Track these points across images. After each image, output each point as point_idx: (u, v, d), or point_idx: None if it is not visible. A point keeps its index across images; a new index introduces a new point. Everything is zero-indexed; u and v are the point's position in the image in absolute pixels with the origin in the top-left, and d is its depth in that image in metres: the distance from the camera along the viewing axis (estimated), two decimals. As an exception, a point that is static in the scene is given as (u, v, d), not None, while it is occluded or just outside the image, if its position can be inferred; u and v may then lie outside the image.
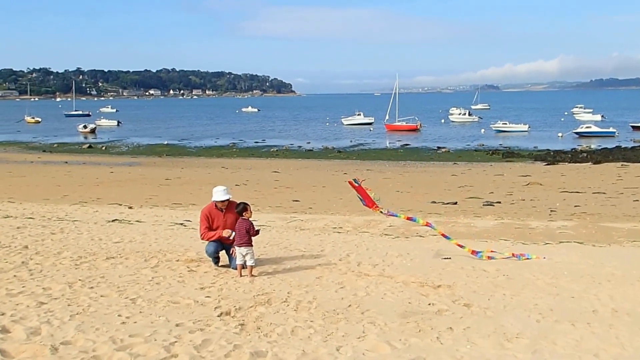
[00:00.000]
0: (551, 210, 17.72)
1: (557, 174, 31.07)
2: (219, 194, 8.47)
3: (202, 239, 8.68)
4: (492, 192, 22.74)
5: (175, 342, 5.38)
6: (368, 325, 5.90)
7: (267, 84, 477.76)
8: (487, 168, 35.23)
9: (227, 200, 8.53)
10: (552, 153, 43.05)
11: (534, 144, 51.35)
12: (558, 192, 22.98)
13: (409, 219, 10.25)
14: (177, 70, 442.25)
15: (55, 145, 56.62)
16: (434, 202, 19.71)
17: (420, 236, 12.38)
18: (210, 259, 8.70)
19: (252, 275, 8.05)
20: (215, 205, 8.56)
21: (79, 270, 8.34)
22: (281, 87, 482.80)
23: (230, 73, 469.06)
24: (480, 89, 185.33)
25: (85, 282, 7.62)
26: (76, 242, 10.61)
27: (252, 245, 8.11)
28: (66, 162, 40.27)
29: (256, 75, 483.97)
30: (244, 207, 8.24)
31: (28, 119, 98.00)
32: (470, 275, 8.24)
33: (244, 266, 8.08)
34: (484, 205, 19.16)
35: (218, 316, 6.22)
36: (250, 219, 8.27)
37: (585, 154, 41.84)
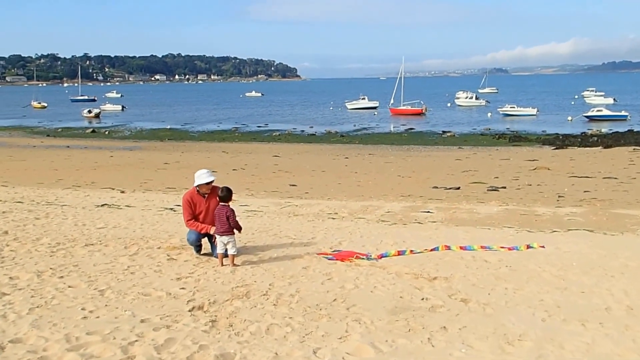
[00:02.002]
0: (559, 196, 17.04)
1: (565, 158, 30.26)
2: (203, 176, 7.82)
3: (187, 226, 8.11)
4: (497, 177, 22.05)
5: (136, 340, 4.83)
6: (352, 324, 5.31)
7: (272, 68, 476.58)
8: (493, 152, 34.45)
9: (212, 183, 7.91)
10: (561, 137, 42.05)
11: (542, 127, 50.37)
12: (567, 177, 22.25)
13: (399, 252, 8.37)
14: (183, 55, 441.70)
15: (59, 129, 56.25)
16: (436, 187, 19.04)
17: (419, 223, 11.77)
18: (192, 247, 8.15)
19: (234, 265, 7.48)
20: (197, 191, 7.95)
21: (54, 257, 7.83)
22: (286, 71, 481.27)
23: (235, 58, 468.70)
24: (488, 73, 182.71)
25: (57, 270, 7.10)
26: (58, 228, 10.12)
27: (234, 233, 7.53)
28: (68, 147, 39.84)
29: (261, 59, 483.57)
30: (227, 193, 7.59)
31: (34, 104, 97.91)
32: (469, 266, 7.63)
33: (225, 255, 7.51)
34: (488, 190, 18.49)
35: (189, 311, 5.66)
36: (231, 205, 7.63)
37: (595, 138, 40.82)
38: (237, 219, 7.60)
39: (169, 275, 7.01)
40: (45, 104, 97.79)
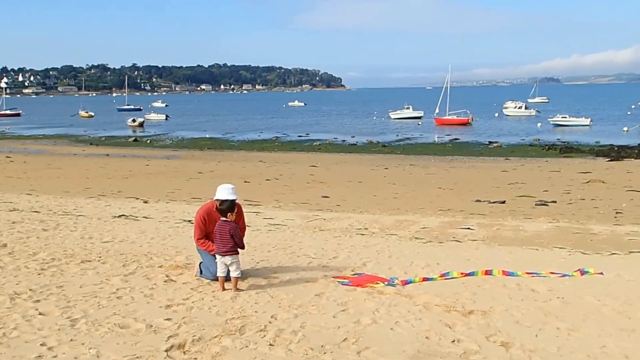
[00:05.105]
0: (617, 212, 15.46)
1: (622, 170, 28.24)
2: (225, 192, 6.65)
3: (197, 245, 7.04)
4: (546, 190, 20.46)
5: (86, 393, 3.88)
6: (361, 375, 4.24)
7: (317, 78, 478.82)
8: (542, 164, 32.60)
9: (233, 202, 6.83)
10: (616, 148, 39.68)
11: (595, 138, 47.88)
12: (624, 191, 20.49)
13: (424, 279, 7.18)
14: (229, 65, 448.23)
15: (102, 138, 56.93)
16: (479, 201, 17.65)
17: (457, 241, 10.53)
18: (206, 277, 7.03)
19: (238, 290, 6.49)
20: (216, 207, 6.88)
21: (41, 276, 7.00)
22: (331, 81, 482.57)
23: (280, 67, 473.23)
24: (539, 82, 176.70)
25: (36, 293, 6.26)
26: (62, 241, 9.37)
27: (237, 253, 6.54)
28: (107, 155, 39.97)
29: (306, 69, 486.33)
30: (230, 206, 6.58)
31: (82, 113, 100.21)
32: (513, 297, 6.42)
33: (227, 278, 6.53)
34: (536, 205, 16.99)
35: (166, 351, 4.68)
36: (233, 220, 6.62)
37: (654, 150, 38.37)
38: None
39: (159, 301, 6.07)
40: (92, 113, 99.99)
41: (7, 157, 35.98)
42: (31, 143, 52.05)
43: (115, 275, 7.10)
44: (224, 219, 6.51)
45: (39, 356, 4.53)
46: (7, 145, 48.31)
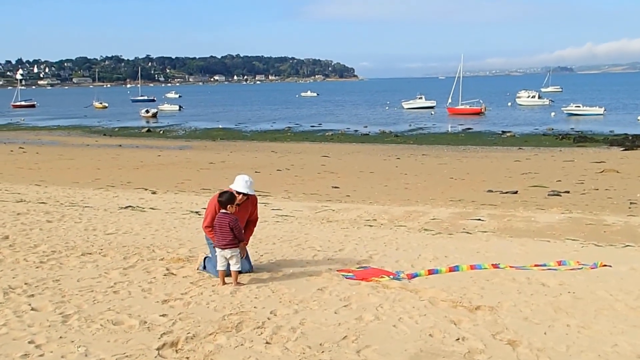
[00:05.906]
0: (631, 203, 15.09)
1: (636, 160, 27.70)
2: (242, 185, 6.51)
3: (205, 232, 6.74)
4: (559, 180, 20.08)
5: (70, 395, 3.72)
6: (358, 376, 4.04)
7: (330, 68, 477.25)
8: (556, 153, 32.09)
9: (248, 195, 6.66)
10: (630, 137, 38.92)
11: (610, 127, 47.07)
12: (639, 180, 20.05)
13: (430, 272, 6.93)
14: (242, 56, 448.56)
15: (116, 129, 56.98)
16: (491, 191, 17.32)
17: (467, 233, 10.28)
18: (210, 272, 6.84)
19: (238, 284, 6.32)
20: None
21: (39, 270, 6.89)
22: (344, 71, 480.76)
23: (293, 58, 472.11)
24: (552, 71, 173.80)
25: (31, 287, 6.14)
26: (65, 233, 9.29)
27: (237, 246, 6.37)
28: (120, 146, 40.04)
29: (319, 60, 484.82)
30: (229, 198, 6.39)
31: (96, 104, 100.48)
32: (522, 292, 6.18)
33: (227, 273, 6.36)
34: (549, 195, 16.65)
35: (157, 349, 4.51)
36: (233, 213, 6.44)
37: (670, 139, 37.59)
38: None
39: (156, 296, 5.92)
40: (106, 104, 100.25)
41: (20, 147, 36.18)
42: (45, 134, 52.31)
43: (114, 269, 6.97)
44: (223, 211, 6.33)
45: (25, 354, 4.38)
46: (21, 137, 48.62)
